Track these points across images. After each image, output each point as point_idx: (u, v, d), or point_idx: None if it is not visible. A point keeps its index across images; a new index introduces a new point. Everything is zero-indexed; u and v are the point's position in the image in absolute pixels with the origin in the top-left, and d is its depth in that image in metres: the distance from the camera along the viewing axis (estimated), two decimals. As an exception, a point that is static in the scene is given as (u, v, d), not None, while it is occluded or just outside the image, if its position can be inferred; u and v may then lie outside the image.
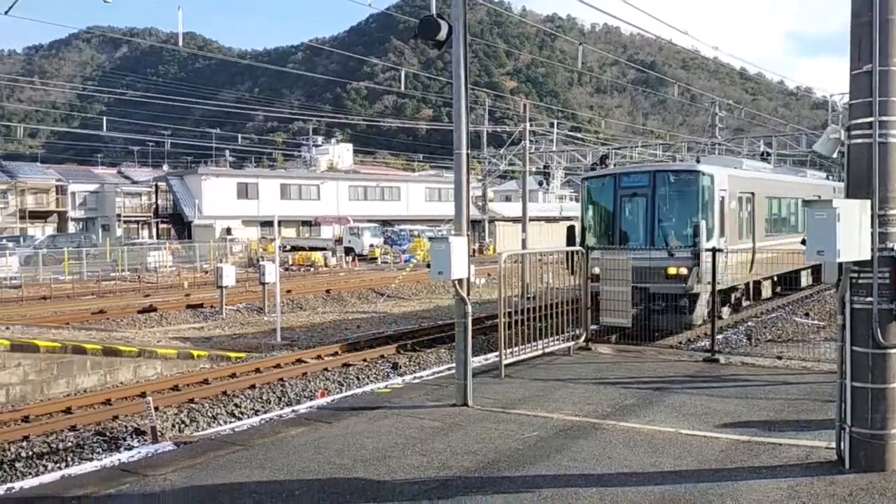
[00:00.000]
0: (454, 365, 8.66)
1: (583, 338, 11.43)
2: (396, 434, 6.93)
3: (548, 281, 11.38)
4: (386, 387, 10.36)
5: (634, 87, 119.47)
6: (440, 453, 6.32)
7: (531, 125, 44.26)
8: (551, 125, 50.72)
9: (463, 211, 7.92)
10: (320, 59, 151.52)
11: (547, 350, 10.57)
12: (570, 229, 17.12)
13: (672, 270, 14.98)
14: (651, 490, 5.47)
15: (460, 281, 7.83)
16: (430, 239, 8.54)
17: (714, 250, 12.39)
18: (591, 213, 17.45)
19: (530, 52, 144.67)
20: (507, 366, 9.54)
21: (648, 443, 6.61)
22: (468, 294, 7.97)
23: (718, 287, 14.45)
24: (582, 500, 5.27)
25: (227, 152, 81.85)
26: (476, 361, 10.18)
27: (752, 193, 17.98)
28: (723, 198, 16.08)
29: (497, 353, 9.98)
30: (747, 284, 17.97)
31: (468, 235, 7.93)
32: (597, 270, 13.25)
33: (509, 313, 10.07)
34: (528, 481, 5.64)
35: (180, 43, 32.03)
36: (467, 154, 7.89)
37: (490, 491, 5.44)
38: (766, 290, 19.34)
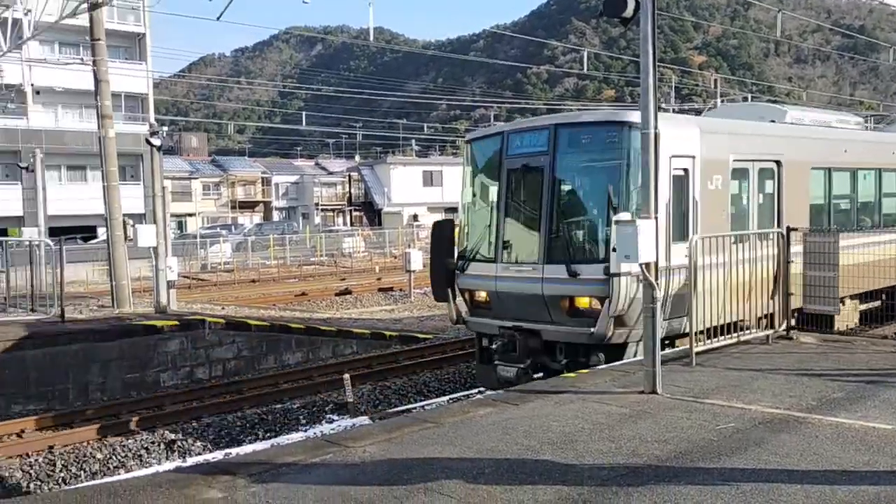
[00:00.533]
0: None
1: (783, 326, 10.71)
2: (583, 419, 6.88)
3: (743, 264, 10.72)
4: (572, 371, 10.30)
5: (840, 54, 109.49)
6: (629, 440, 6.21)
7: (722, 101, 41.93)
8: (744, 99, 47.85)
9: (651, 193, 7.67)
10: (501, 45, 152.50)
11: (742, 338, 10.02)
12: (439, 227, 11.34)
13: (580, 301, 9.42)
14: (864, 490, 5.04)
15: (648, 265, 7.61)
16: (616, 222, 8.28)
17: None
18: (470, 198, 11.32)
19: (721, 24, 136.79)
20: (697, 353, 9.16)
21: (860, 440, 6.09)
22: (657, 279, 7.72)
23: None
24: (785, 496, 4.96)
25: (413, 141, 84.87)
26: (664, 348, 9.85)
27: (777, 163, 11.45)
28: (685, 171, 9.98)
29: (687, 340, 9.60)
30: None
31: (656, 218, 7.67)
32: (483, 295, 10.09)
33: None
34: (725, 474, 5.40)
35: (371, 38, 33.48)
36: (655, 134, 7.62)
37: (683, 482, 5.26)
38: (850, 316, 12.65)
